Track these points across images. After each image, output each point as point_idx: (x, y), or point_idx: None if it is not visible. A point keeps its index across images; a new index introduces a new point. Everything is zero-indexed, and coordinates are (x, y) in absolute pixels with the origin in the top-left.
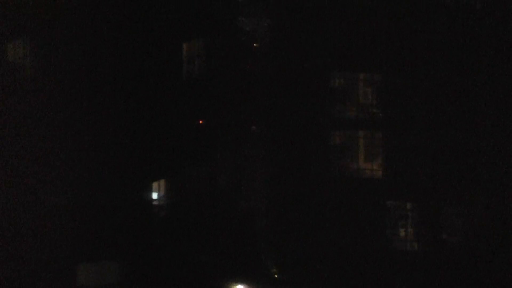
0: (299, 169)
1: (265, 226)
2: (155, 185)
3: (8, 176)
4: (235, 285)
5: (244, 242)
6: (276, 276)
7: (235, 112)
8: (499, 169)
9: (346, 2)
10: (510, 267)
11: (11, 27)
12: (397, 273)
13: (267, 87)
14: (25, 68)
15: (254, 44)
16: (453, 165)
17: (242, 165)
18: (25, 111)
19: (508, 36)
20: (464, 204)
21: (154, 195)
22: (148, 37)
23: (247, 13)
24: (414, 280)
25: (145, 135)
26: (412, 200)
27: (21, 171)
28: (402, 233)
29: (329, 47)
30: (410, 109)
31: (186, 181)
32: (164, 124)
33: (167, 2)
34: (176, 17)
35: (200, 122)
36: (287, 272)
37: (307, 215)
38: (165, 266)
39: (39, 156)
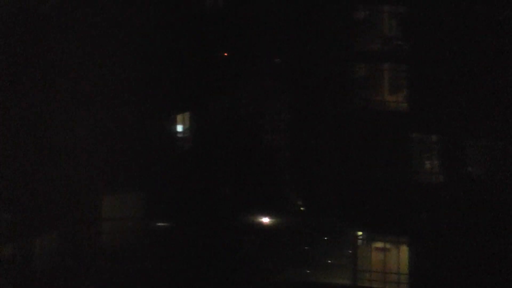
0: (323, 101)
1: (289, 159)
2: (179, 117)
3: (40, 111)
4: (260, 218)
5: (269, 175)
6: (301, 209)
7: (258, 45)
8: None
9: None
10: None
11: None
12: (422, 205)
13: (290, 19)
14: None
15: None
16: (477, 96)
17: (266, 97)
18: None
19: None
20: (489, 137)
21: (179, 128)
22: None
23: None
24: (439, 213)
25: (169, 68)
26: (437, 133)
27: (52, 104)
28: (427, 165)
29: None
30: (435, 41)
31: (210, 114)
32: (188, 57)
33: None
34: None
35: (225, 54)
36: (312, 205)
37: (331, 148)
38: (189, 199)
39: (67, 90)
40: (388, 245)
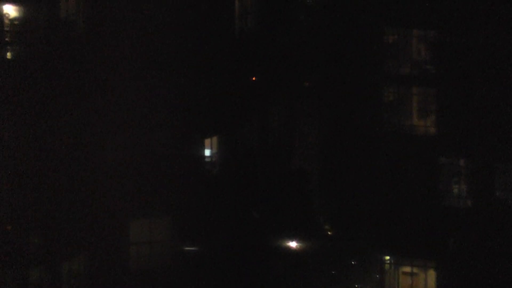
0: (352, 125)
1: (318, 183)
2: (207, 142)
3: (68, 135)
4: (288, 242)
5: (297, 199)
6: (329, 233)
7: (287, 69)
8: None
9: None
10: None
11: None
12: (450, 230)
13: (320, 42)
14: (77, 24)
15: None
16: (505, 120)
17: (295, 121)
18: (78, 69)
19: None
20: None
21: (207, 152)
22: None
23: None
24: (467, 237)
25: (197, 92)
26: (465, 157)
27: (81, 128)
28: (455, 190)
29: (383, 2)
30: (463, 65)
31: (239, 138)
32: (216, 81)
33: None
34: None
35: (253, 78)
36: (340, 229)
37: (359, 172)
38: (217, 223)
39: (96, 114)
40: (415, 270)
